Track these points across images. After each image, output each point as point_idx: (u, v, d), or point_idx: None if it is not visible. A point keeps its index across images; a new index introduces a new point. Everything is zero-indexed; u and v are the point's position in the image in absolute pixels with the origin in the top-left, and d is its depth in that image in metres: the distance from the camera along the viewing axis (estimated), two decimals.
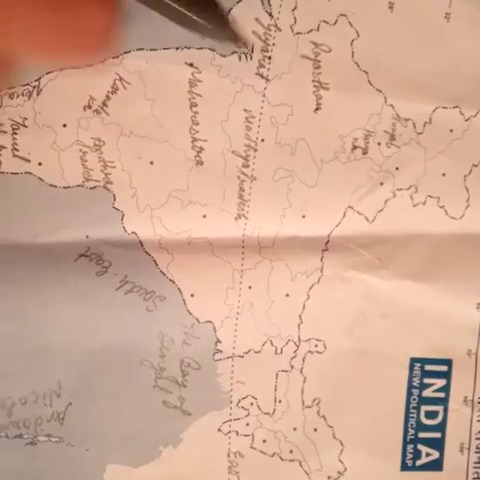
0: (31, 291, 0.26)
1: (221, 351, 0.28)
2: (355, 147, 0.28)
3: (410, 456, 0.31)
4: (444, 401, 0.31)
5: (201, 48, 0.26)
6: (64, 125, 0.25)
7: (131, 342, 0.27)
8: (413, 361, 0.30)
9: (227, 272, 0.28)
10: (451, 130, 0.29)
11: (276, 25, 0.27)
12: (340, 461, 0.30)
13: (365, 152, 0.28)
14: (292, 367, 0.29)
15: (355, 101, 0.28)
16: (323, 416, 0.29)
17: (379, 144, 0.28)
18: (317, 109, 0.27)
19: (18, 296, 0.26)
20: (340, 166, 0.28)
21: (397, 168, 0.29)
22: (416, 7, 0.28)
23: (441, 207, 0.29)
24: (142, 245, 0.27)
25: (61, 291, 0.26)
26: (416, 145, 0.29)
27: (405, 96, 0.28)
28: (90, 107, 0.25)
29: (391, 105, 0.28)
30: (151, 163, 0.26)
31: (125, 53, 0.25)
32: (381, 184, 0.29)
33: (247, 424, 0.29)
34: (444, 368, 0.31)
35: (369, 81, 0.28)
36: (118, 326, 0.27)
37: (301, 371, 0.29)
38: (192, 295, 0.27)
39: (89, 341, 0.26)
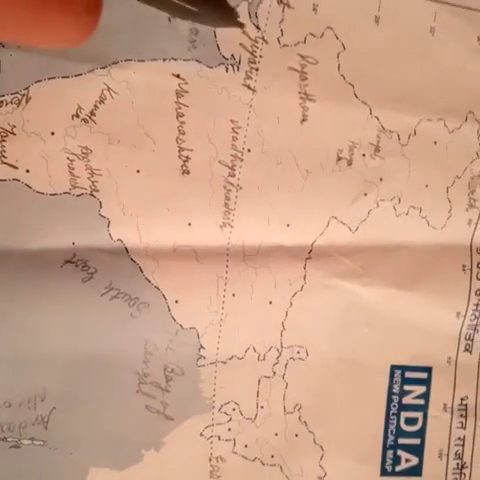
0: (17, 297, 0.26)
1: (204, 357, 0.28)
2: (340, 158, 0.28)
3: (390, 462, 0.31)
4: (424, 408, 0.32)
5: (188, 59, 0.26)
6: (52, 133, 0.26)
7: (115, 348, 0.27)
8: (393, 368, 0.31)
9: (211, 279, 0.28)
10: (435, 142, 0.30)
11: (263, 37, 0.27)
12: (320, 466, 0.30)
13: (350, 163, 0.29)
14: (274, 373, 0.29)
15: (341, 113, 0.28)
16: (304, 422, 0.30)
17: (364, 155, 0.29)
18: (303, 120, 0.28)
19: (3, 302, 0.26)
20: (325, 177, 0.28)
21: (381, 179, 0.29)
22: (401, 21, 0.28)
23: (423, 218, 0.30)
24: (128, 252, 0.27)
25: (47, 297, 0.26)
26: (400, 157, 0.29)
27: (390, 108, 0.29)
28: (78, 116, 0.26)
29: (376, 117, 0.28)
30: (138, 171, 0.27)
31: (113, 63, 0.26)
32: (365, 194, 0.29)
33: (229, 429, 0.29)
34: (424, 375, 0.31)
35: (355, 93, 0.28)
36: (103, 332, 0.27)
37: (283, 377, 0.29)
38: (176, 301, 0.28)
39: (74, 346, 0.27)
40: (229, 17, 0.23)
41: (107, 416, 0.27)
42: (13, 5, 0.17)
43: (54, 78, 0.25)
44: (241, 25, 0.25)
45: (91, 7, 0.19)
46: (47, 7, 0.18)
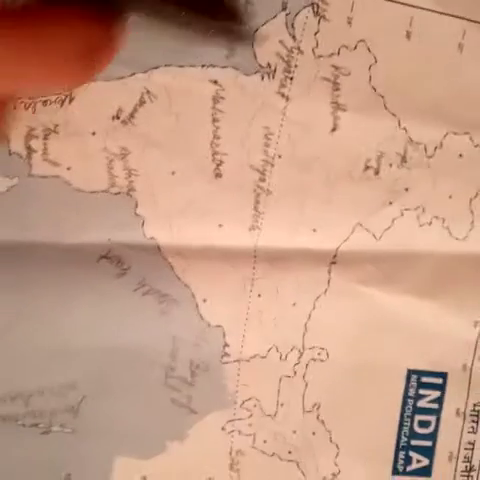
0: (55, 290, 0.27)
1: (229, 355, 0.29)
2: (368, 167, 0.29)
3: (401, 462, 0.32)
4: (437, 412, 0.32)
5: (225, 67, 0.27)
6: (93, 133, 0.27)
7: (144, 342, 0.28)
8: (410, 372, 0.32)
9: (239, 280, 0.29)
10: (460, 155, 0.30)
11: (299, 48, 0.28)
12: (335, 464, 0.31)
13: (377, 172, 0.29)
14: (295, 373, 0.30)
15: (370, 123, 0.29)
16: (322, 421, 0.31)
17: (390, 165, 0.30)
18: (334, 129, 0.29)
19: (41, 295, 0.27)
20: (352, 184, 0.29)
21: (406, 189, 0.30)
22: (432, 37, 0.29)
23: (446, 228, 0.31)
24: (160, 250, 0.28)
25: (81, 291, 0.27)
26: (426, 168, 0.30)
27: (418, 121, 0.29)
28: (118, 117, 0.27)
29: (404, 129, 0.29)
30: (173, 173, 0.28)
31: (154, 68, 0.27)
32: (390, 203, 0.30)
33: (250, 424, 0.30)
34: (439, 381, 0.32)
35: (385, 105, 0.29)
36: (133, 327, 0.28)
37: (303, 377, 0.30)
38: (205, 300, 0.29)
39: (105, 339, 0.28)
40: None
41: (134, 407, 0.29)
42: None
43: (97, 80, 0.26)
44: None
45: (92, 49, 0.18)
46: (25, 63, 0.17)
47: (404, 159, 0.30)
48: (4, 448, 0.28)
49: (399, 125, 0.29)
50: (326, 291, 0.30)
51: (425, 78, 0.29)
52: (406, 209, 0.30)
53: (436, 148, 0.30)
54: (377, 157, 0.29)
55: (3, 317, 0.27)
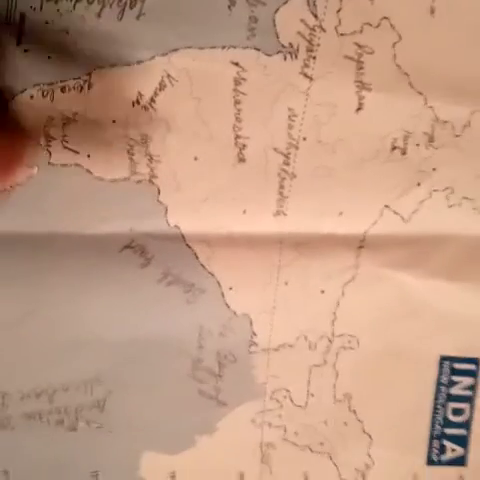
0: (77, 280, 0.26)
1: (257, 344, 0.29)
2: (394, 147, 0.28)
3: (436, 451, 0.32)
4: (471, 399, 0.32)
5: (247, 48, 0.27)
6: (113, 120, 0.26)
7: (170, 333, 0.28)
8: (443, 359, 0.31)
9: (265, 267, 0.28)
10: None
11: (321, 26, 0.27)
12: (368, 455, 0.30)
13: (404, 152, 0.29)
14: (325, 362, 0.29)
15: (396, 102, 0.28)
16: (353, 410, 0.30)
17: (418, 145, 0.29)
18: (359, 109, 0.28)
19: (64, 285, 0.26)
20: (379, 166, 0.28)
21: (434, 169, 0.29)
22: (456, 12, 0.28)
23: (475, 209, 0.30)
24: (184, 238, 0.27)
25: (105, 281, 0.27)
26: (454, 147, 0.29)
27: (445, 99, 0.28)
28: (138, 103, 0.26)
29: (431, 107, 0.28)
30: (195, 159, 0.27)
31: (173, 51, 0.26)
32: (418, 184, 0.29)
33: (280, 416, 0.29)
34: (473, 367, 0.31)
35: (410, 83, 0.28)
36: (158, 317, 0.27)
37: (334, 366, 0.29)
38: (230, 288, 0.28)
39: (130, 331, 0.27)
40: None
41: (161, 400, 0.28)
42: None
43: (116, 65, 0.26)
44: None
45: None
46: None
47: (431, 138, 0.29)
48: (29, 446, 0.27)
49: (426, 103, 0.28)
50: (354, 277, 0.29)
51: (451, 54, 0.28)
52: (435, 190, 0.29)
53: (464, 127, 0.29)
54: (404, 137, 0.28)
55: (24, 308, 0.26)
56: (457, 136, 0.29)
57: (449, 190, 0.29)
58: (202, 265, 0.28)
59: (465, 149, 0.29)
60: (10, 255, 0.26)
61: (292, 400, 0.29)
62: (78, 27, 0.25)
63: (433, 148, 0.29)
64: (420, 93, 0.28)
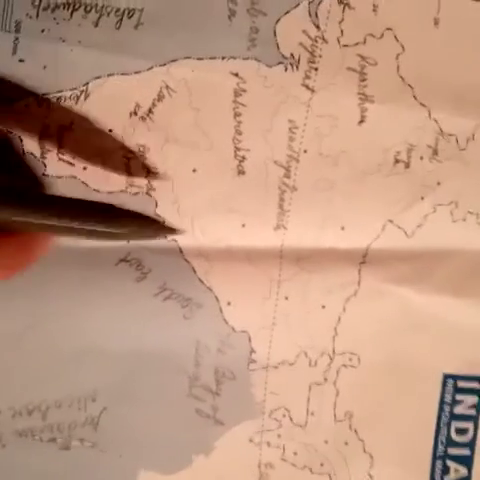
0: (72, 293, 0.26)
1: (255, 361, 0.28)
2: (397, 160, 0.28)
3: (439, 472, 0.31)
4: (475, 418, 0.31)
5: (247, 58, 0.26)
6: (110, 130, 0.25)
7: (167, 349, 0.27)
8: (446, 377, 0.30)
9: (264, 282, 0.28)
10: None
11: (323, 37, 0.27)
12: (369, 475, 0.30)
13: (407, 166, 0.28)
14: (326, 380, 0.29)
15: (399, 114, 0.28)
16: (355, 430, 0.29)
17: (421, 158, 0.28)
18: (361, 121, 0.27)
19: (59, 298, 0.26)
20: (381, 179, 0.28)
21: (438, 183, 0.28)
22: (461, 24, 0.28)
23: None
24: (181, 252, 0.27)
25: (101, 295, 0.26)
26: (458, 161, 0.28)
27: (449, 111, 0.28)
28: (136, 114, 0.25)
29: (435, 120, 0.28)
30: (194, 171, 0.26)
31: (172, 61, 0.25)
32: (422, 198, 0.28)
33: (279, 435, 0.28)
34: (477, 385, 0.30)
35: (414, 95, 0.28)
36: (155, 332, 0.27)
37: (334, 384, 0.29)
38: (229, 303, 0.27)
39: (126, 346, 0.26)
40: (158, 229, 0.24)
41: (157, 419, 0.27)
42: None
43: (113, 75, 0.25)
44: (173, 231, 0.25)
45: None
46: None
47: (435, 152, 0.28)
48: (21, 464, 0.26)
49: (429, 116, 0.28)
50: (356, 292, 0.28)
51: (455, 66, 0.28)
52: (439, 204, 0.29)
53: (468, 140, 0.28)
54: (407, 150, 0.28)
55: (18, 323, 0.25)
56: (462, 150, 0.28)
57: (453, 204, 0.29)
58: (200, 279, 0.27)
59: (470, 163, 0.29)
60: None
61: (291, 419, 0.28)
62: (75, 36, 0.24)
63: (437, 161, 0.28)
64: (424, 105, 0.28)
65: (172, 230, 0.25)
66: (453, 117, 0.28)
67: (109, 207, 0.23)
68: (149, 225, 0.24)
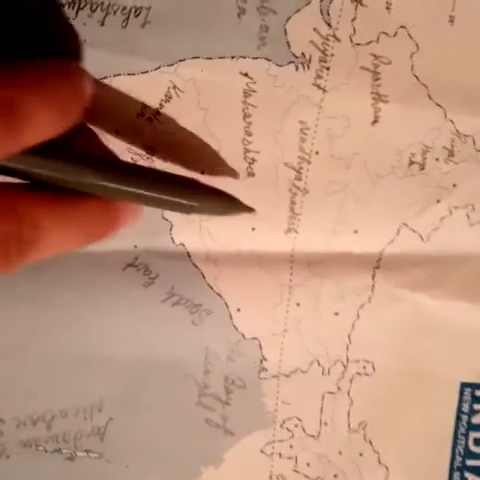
0: (78, 299, 0.25)
1: (266, 369, 0.27)
2: (412, 162, 0.27)
3: None
4: None
5: (257, 58, 0.25)
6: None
7: (175, 356, 0.26)
8: (463, 386, 0.29)
9: (275, 287, 0.27)
10: None
11: (335, 35, 0.26)
12: None
13: (422, 168, 0.27)
14: (339, 389, 0.28)
15: (414, 115, 0.27)
16: (369, 441, 0.28)
17: (437, 160, 0.27)
18: (375, 122, 0.26)
19: (65, 303, 0.25)
20: (396, 181, 0.27)
21: (454, 185, 0.28)
22: (477, 21, 0.27)
23: None
24: (190, 257, 0.26)
25: (108, 300, 0.25)
26: (475, 162, 0.28)
27: (465, 111, 0.27)
28: (143, 115, 0.25)
29: (451, 120, 0.27)
30: (202, 173, 0.26)
31: (180, 61, 0.25)
32: (437, 201, 0.28)
33: (291, 446, 0.28)
34: None
35: (429, 95, 0.27)
36: (163, 339, 0.26)
37: (348, 393, 0.28)
38: (238, 310, 0.27)
39: (133, 353, 0.26)
40: (233, 206, 0.24)
41: (165, 429, 0.26)
42: None
43: (120, 75, 0.24)
44: (248, 209, 0.25)
45: None
46: None
47: (451, 153, 0.27)
48: (25, 476, 0.26)
49: (445, 116, 0.27)
50: (370, 299, 0.28)
51: (472, 65, 0.27)
52: (455, 207, 0.28)
53: None
54: (422, 151, 0.27)
55: (23, 330, 0.25)
56: (478, 151, 0.28)
57: (470, 207, 0.28)
58: (209, 285, 0.26)
59: None
60: (15, 275, 0.25)
61: (304, 429, 0.28)
62: (80, 36, 0.24)
63: (453, 163, 0.27)
64: (439, 105, 0.27)
65: (248, 208, 0.25)
66: (470, 117, 0.27)
67: (188, 180, 0.23)
68: (225, 201, 0.24)
